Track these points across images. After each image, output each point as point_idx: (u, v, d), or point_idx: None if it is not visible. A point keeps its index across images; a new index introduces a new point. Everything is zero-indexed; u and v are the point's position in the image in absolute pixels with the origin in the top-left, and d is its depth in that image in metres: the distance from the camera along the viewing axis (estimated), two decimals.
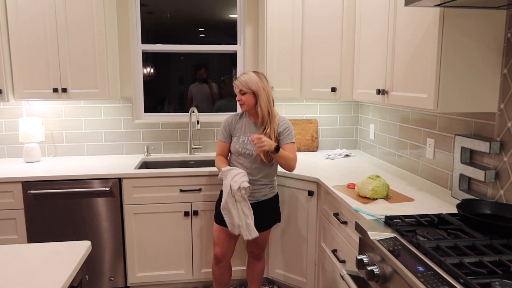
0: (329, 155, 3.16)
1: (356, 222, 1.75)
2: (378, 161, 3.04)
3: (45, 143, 3.21)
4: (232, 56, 3.48)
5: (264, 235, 2.46)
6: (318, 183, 2.55)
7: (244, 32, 3.33)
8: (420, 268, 1.34)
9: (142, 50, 3.29)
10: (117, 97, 3.12)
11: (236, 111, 3.48)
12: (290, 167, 2.32)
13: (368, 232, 1.64)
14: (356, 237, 1.98)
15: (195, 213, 2.77)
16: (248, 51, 3.33)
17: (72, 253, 1.43)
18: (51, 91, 2.82)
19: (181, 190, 2.74)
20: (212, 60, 3.51)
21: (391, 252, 1.47)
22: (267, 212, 2.43)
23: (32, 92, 2.82)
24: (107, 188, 2.65)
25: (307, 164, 2.94)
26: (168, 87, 3.50)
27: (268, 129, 2.33)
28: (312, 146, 3.42)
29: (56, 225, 2.68)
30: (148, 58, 3.35)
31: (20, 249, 1.46)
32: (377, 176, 2.11)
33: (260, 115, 2.34)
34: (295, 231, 2.71)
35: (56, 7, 2.74)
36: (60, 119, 3.20)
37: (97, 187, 2.66)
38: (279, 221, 2.53)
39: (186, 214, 2.76)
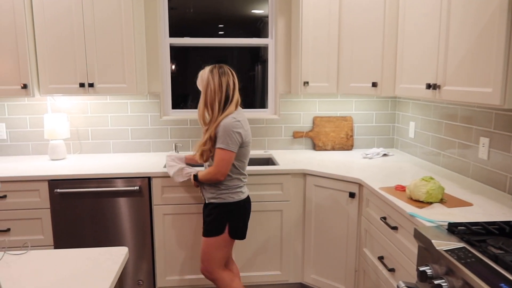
0: (366, 154, 2.98)
1: (415, 230, 1.58)
2: (419, 161, 2.85)
3: (70, 140, 3.11)
4: (254, 52, 3.33)
5: (203, 244, 2.23)
6: (360, 184, 2.38)
7: (275, 25, 3.17)
8: (504, 286, 1.17)
9: (170, 44, 3.16)
10: (144, 92, 3.00)
11: (258, 107, 3.34)
12: (216, 181, 2.16)
13: (433, 241, 1.47)
14: (409, 244, 1.81)
15: None
16: (280, 44, 3.17)
17: (110, 261, 1.30)
18: (78, 86, 2.72)
19: None
20: (231, 57, 3.36)
21: (465, 265, 1.30)
22: (205, 217, 2.23)
23: (58, 87, 2.71)
24: (136, 188, 2.53)
25: (345, 163, 2.77)
26: (188, 84, 3.37)
27: (208, 133, 2.12)
28: (347, 144, 3.25)
29: (83, 225, 2.58)
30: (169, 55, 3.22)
31: (55, 256, 1.34)
32: (431, 178, 1.94)
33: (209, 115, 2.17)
34: (333, 234, 2.55)
35: (83, 2, 2.63)
36: (85, 115, 3.10)
37: (125, 187, 2.55)
38: (216, 234, 2.17)
39: None
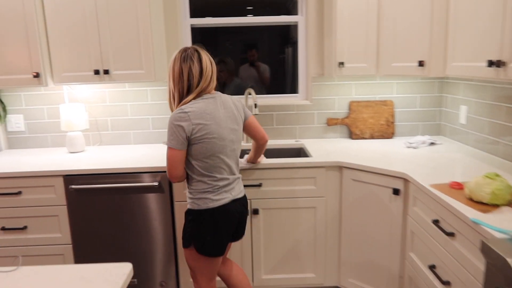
0: (410, 143, 2.65)
1: (483, 244, 1.28)
2: (472, 150, 2.49)
3: (89, 131, 2.95)
4: (284, 34, 3.03)
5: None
6: (405, 180, 2.08)
7: (306, 0, 2.85)
8: None
9: (191, 25, 2.90)
10: (164, 78, 2.77)
11: (289, 92, 3.04)
12: (175, 182, 1.88)
13: (509, 260, 1.16)
14: (471, 255, 1.51)
15: (255, 211, 2.39)
16: (311, 22, 2.85)
17: (107, 284, 1.08)
18: (92, 73, 2.52)
19: None
20: (261, 40, 3.07)
21: None
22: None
23: (72, 75, 2.53)
24: (156, 183, 2.32)
25: (386, 154, 2.45)
26: (233, 68, 3.11)
27: None
28: (387, 132, 2.92)
29: (101, 223, 2.41)
30: (193, 39, 2.96)
31: (46, 274, 1.13)
32: (496, 175, 1.61)
33: None
34: (374, 235, 2.27)
35: None
36: (104, 104, 2.92)
37: (145, 182, 2.35)
38: (184, 245, 1.89)
39: None
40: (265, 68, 3.13)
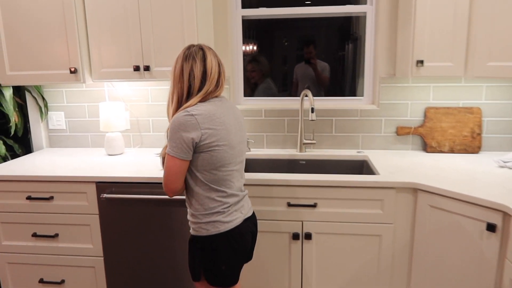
0: (505, 162, 2.14)
1: None
2: None
3: (130, 131, 2.73)
4: (345, 29, 2.62)
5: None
6: (505, 213, 1.61)
7: None
8: None
9: (242, 17, 2.58)
10: None
11: (347, 95, 2.63)
12: (172, 196, 1.61)
13: None
14: None
15: (307, 236, 2.03)
16: (382, 12, 2.42)
17: None
18: (132, 69, 2.28)
19: (289, 204, 2.01)
20: (318, 36, 2.68)
21: None
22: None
23: (111, 71, 2.30)
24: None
25: (473, 175, 1.98)
26: (267, 68, 2.77)
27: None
28: (472, 146, 2.42)
29: (134, 236, 2.16)
30: (245, 35, 2.64)
31: None
32: None
33: None
34: (454, 278, 1.81)
35: None
36: (146, 103, 2.68)
37: (184, 194, 2.06)
38: (194, 279, 1.63)
39: (295, 236, 2.03)
40: (324, 66, 2.74)
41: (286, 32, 2.70)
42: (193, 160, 1.52)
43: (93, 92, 2.70)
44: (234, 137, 1.57)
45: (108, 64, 2.30)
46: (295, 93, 2.74)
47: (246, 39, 2.64)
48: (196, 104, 1.52)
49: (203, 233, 1.55)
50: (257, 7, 2.57)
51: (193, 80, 1.53)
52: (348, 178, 1.96)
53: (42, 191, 2.19)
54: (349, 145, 2.56)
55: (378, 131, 2.53)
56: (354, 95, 2.65)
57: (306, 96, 2.51)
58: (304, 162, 2.48)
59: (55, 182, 2.17)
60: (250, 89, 2.73)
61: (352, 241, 2.02)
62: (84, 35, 2.28)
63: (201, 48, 1.58)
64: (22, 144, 2.90)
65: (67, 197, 2.18)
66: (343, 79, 2.71)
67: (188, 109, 1.49)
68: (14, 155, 2.83)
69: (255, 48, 2.71)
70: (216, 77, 1.56)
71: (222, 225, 1.55)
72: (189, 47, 1.58)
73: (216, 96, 1.59)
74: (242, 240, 1.60)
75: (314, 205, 1.99)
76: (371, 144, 2.55)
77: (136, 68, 2.26)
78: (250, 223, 1.67)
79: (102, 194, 2.11)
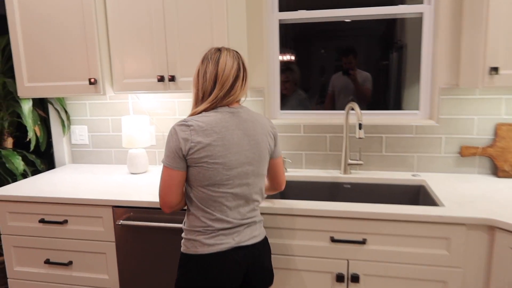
0: None
1: None
2: None
3: (155, 147, 2.50)
4: (387, 37, 2.29)
5: None
6: None
7: None
8: None
9: (279, 21, 2.30)
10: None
11: (392, 108, 2.27)
12: (168, 212, 1.51)
13: None
14: None
15: (354, 278, 1.69)
16: (444, 11, 2.06)
17: None
18: (156, 80, 2.05)
19: (333, 239, 1.68)
20: (358, 45, 2.37)
21: None
22: None
23: (133, 83, 2.09)
24: None
25: None
26: (304, 78, 2.47)
27: None
28: None
29: (154, 267, 1.91)
30: (282, 44, 2.36)
31: None
32: None
33: None
34: None
35: None
36: (173, 117, 2.45)
37: None
38: None
39: (340, 278, 1.70)
40: (365, 77, 2.40)
41: (324, 41, 2.40)
42: (187, 174, 1.41)
43: (117, 104, 2.50)
44: (236, 156, 1.39)
45: (131, 75, 2.08)
46: (330, 106, 2.42)
47: (281, 48, 2.35)
48: (201, 112, 1.41)
49: (183, 250, 1.45)
50: (295, 10, 2.28)
51: (206, 83, 1.40)
52: (405, 210, 1.61)
53: (55, 214, 1.99)
54: (402, 166, 2.20)
55: (437, 151, 2.16)
56: (399, 109, 2.30)
57: (352, 109, 2.19)
58: (349, 186, 2.14)
59: (69, 204, 1.96)
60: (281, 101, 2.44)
61: (409, 286, 1.66)
62: (105, 44, 2.08)
63: (218, 50, 1.44)
64: (45, 159, 2.75)
65: (82, 221, 1.96)
66: (386, 91, 2.37)
67: (188, 118, 1.40)
68: (36, 171, 2.67)
69: (289, 57, 2.42)
70: (230, 80, 1.39)
71: (201, 247, 1.40)
72: (210, 49, 1.46)
73: (227, 105, 1.42)
74: (221, 269, 1.39)
75: (363, 242, 1.65)
76: (428, 166, 2.17)
77: (160, 79, 2.03)
78: (244, 253, 1.43)
79: (118, 220, 1.88)
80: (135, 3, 2.00)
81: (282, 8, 2.29)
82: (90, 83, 2.06)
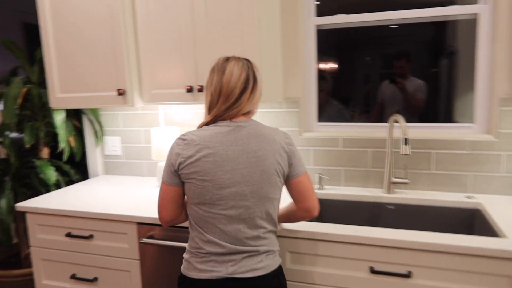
0: None
1: None
2: None
3: None
4: (436, 43, 2.06)
5: None
6: None
7: None
8: None
9: (316, 26, 2.15)
10: (276, 97, 2.07)
11: (442, 120, 2.02)
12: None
13: None
14: None
15: None
16: (503, 13, 1.82)
17: None
18: (184, 91, 1.95)
19: (373, 271, 1.49)
20: (405, 52, 2.16)
21: None
22: None
23: (162, 93, 2.01)
24: None
25: None
26: (345, 86, 2.29)
27: None
28: None
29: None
30: (322, 52, 2.20)
31: None
32: None
33: None
34: None
35: None
36: None
37: None
38: None
39: None
40: (418, 85, 2.19)
41: (367, 48, 2.22)
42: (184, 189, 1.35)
43: (148, 115, 2.44)
44: (229, 175, 1.27)
45: (160, 85, 2.01)
46: (377, 116, 2.22)
47: (318, 56, 2.19)
48: (202, 126, 1.34)
49: (181, 268, 1.38)
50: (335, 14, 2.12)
51: (211, 95, 1.33)
52: (458, 241, 1.40)
53: (82, 228, 1.94)
54: (454, 187, 1.96)
55: (496, 170, 1.90)
56: (451, 121, 2.07)
57: (396, 122, 1.99)
58: (392, 207, 1.93)
59: (95, 219, 1.90)
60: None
61: None
62: (134, 55, 2.02)
63: (227, 59, 1.35)
64: (80, 169, 2.74)
65: (107, 237, 1.90)
66: (436, 102, 2.14)
67: (187, 131, 1.34)
68: (71, 181, 2.67)
69: (324, 66, 2.25)
70: (236, 92, 1.29)
71: (193, 270, 1.32)
72: (219, 59, 1.38)
73: (230, 119, 1.32)
74: None
75: (408, 275, 1.45)
76: (486, 186, 1.92)
77: (190, 89, 1.93)
78: (239, 287, 1.28)
79: (141, 238, 1.79)
80: (165, 14, 1.92)
81: (320, 13, 2.14)
82: (119, 93, 2.00)
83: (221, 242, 1.29)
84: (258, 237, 1.32)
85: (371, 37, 2.19)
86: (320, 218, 2.04)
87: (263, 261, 1.32)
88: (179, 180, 1.32)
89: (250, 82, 1.31)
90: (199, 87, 1.91)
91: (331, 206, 2.02)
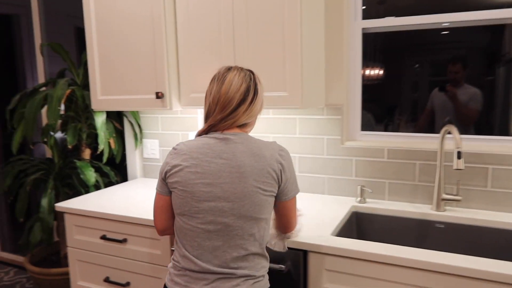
0: None
1: None
2: None
3: None
4: (492, 49, 1.87)
5: None
6: None
7: None
8: None
9: (363, 30, 2.03)
10: (317, 104, 1.97)
11: (498, 133, 1.83)
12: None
13: None
14: None
15: None
16: None
17: None
18: None
19: None
20: (457, 59, 1.98)
21: None
22: None
23: (200, 97, 1.96)
24: (282, 267, 1.51)
25: None
26: (391, 94, 2.14)
27: None
28: None
29: None
30: (368, 57, 2.07)
31: None
32: None
33: None
34: None
35: None
36: None
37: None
38: None
39: None
40: (473, 94, 2.01)
41: (414, 53, 2.06)
42: None
43: (187, 119, 2.42)
44: (209, 188, 1.22)
45: (198, 89, 1.97)
46: (426, 127, 2.07)
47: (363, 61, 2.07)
48: (198, 134, 1.33)
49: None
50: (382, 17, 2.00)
51: (208, 104, 1.30)
52: (497, 268, 1.23)
53: (116, 231, 1.93)
54: (504, 206, 1.77)
55: None
56: (506, 134, 1.87)
57: (449, 133, 1.82)
58: (442, 226, 1.77)
59: (129, 223, 1.88)
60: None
61: None
62: (173, 58, 2.00)
63: (229, 69, 1.31)
64: (119, 171, 2.76)
65: (141, 242, 1.87)
66: (492, 112, 1.95)
67: (181, 141, 1.37)
68: (110, 183, 2.69)
69: (371, 72, 2.12)
70: (233, 103, 1.25)
71: (170, 282, 1.29)
72: (220, 68, 1.35)
73: (221, 130, 1.28)
74: None
75: None
76: None
77: None
78: None
79: (173, 246, 1.74)
80: (206, 18, 1.88)
81: (365, 17, 2.02)
82: (157, 97, 1.98)
83: (194, 259, 1.24)
84: (237, 258, 1.23)
85: (420, 43, 2.04)
86: (360, 234, 1.91)
87: (239, 285, 1.22)
88: (168, 189, 1.31)
89: (250, 94, 1.27)
90: None
91: (373, 221, 1.89)
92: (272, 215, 1.39)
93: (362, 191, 1.95)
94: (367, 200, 2.00)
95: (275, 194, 1.28)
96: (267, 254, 1.33)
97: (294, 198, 1.35)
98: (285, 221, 1.39)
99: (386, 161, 1.97)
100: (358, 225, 1.91)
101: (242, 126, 1.30)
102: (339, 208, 1.89)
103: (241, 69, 1.32)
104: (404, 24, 1.95)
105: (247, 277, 1.24)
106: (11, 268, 3.45)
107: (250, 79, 1.29)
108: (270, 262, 1.55)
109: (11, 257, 3.60)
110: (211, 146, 1.25)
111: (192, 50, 1.94)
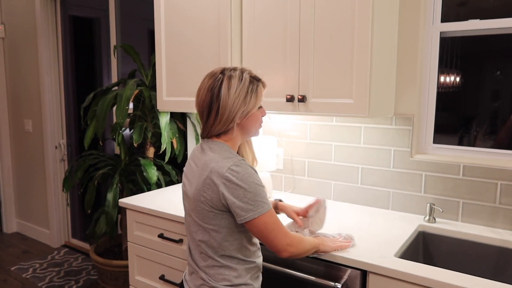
0: None
1: None
2: None
3: (282, 172, 2.30)
4: None
5: None
6: None
7: None
8: None
9: (441, 34, 1.86)
10: (385, 113, 1.84)
11: None
12: None
13: None
14: None
15: None
16: None
17: None
18: (284, 100, 1.84)
19: None
20: None
21: None
22: None
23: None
24: (338, 286, 1.42)
25: None
26: (468, 104, 1.93)
27: None
28: None
29: None
30: (444, 64, 1.90)
31: None
32: None
33: None
34: None
35: None
36: (304, 141, 2.21)
37: (321, 276, 1.48)
38: None
39: None
40: None
41: (495, 59, 1.85)
42: None
43: None
44: (187, 189, 1.34)
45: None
46: (508, 142, 1.84)
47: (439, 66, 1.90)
48: (198, 144, 1.46)
49: None
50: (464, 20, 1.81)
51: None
52: None
53: (173, 231, 1.94)
54: None
55: None
56: None
57: None
58: None
59: (182, 223, 1.88)
60: None
61: None
62: (237, 62, 1.98)
63: (222, 72, 1.28)
64: (181, 171, 2.81)
65: None
66: None
67: None
68: (171, 182, 2.75)
69: (446, 79, 1.94)
70: (203, 116, 1.30)
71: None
72: (232, 71, 1.31)
73: (207, 137, 1.32)
74: None
75: None
76: None
77: (290, 99, 1.81)
78: None
79: None
80: (271, 27, 1.84)
81: (444, 20, 1.85)
82: None
83: (189, 253, 1.38)
84: (199, 259, 1.32)
85: (502, 48, 1.82)
86: (427, 258, 1.75)
87: (202, 286, 1.31)
88: None
89: (213, 104, 1.24)
90: (301, 96, 1.78)
91: (443, 244, 1.72)
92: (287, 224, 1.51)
93: (431, 209, 1.79)
94: (437, 219, 1.82)
95: (224, 208, 1.23)
96: (237, 267, 1.29)
97: (262, 217, 1.21)
98: (264, 242, 1.26)
99: (461, 179, 1.79)
100: (425, 247, 1.75)
101: (222, 134, 1.29)
102: (404, 226, 1.74)
103: (214, 74, 1.28)
104: (490, 28, 1.76)
105: (204, 282, 1.29)
106: (80, 255, 3.67)
107: (216, 85, 1.25)
108: (325, 278, 1.46)
109: (80, 244, 3.83)
110: (195, 153, 1.36)
111: (256, 57, 1.91)
